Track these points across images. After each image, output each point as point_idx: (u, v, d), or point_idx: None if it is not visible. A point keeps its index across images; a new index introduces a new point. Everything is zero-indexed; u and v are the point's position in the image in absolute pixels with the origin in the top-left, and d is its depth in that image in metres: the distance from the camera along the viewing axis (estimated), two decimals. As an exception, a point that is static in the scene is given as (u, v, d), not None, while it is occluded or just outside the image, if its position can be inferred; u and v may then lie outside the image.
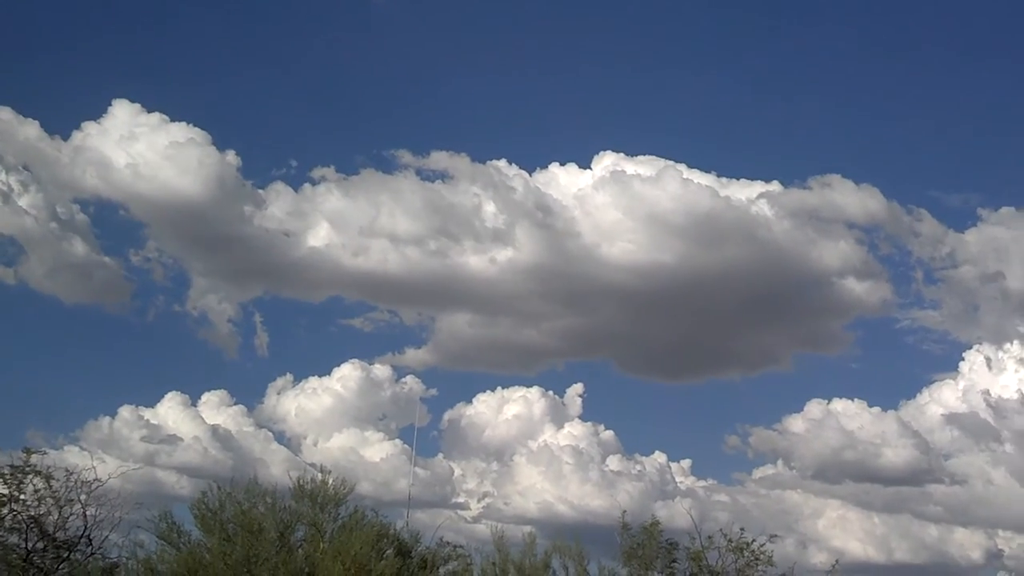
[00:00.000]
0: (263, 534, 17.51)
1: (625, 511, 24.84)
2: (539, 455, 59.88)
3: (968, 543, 58.17)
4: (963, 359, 62.39)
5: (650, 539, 23.88)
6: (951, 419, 59.57)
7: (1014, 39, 73.22)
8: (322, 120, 72.32)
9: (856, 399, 60.66)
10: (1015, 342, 61.40)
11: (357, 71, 73.13)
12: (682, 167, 62.30)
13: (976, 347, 62.50)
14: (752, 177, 64.52)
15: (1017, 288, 61.18)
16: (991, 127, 73.34)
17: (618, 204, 61.84)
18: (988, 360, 61.38)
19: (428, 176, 63.10)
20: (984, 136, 72.98)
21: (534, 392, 64.00)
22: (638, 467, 59.04)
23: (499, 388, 65.22)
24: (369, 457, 56.10)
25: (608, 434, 61.52)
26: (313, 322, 67.95)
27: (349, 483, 18.52)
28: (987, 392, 59.22)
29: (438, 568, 19.17)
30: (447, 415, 63.73)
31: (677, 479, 59.03)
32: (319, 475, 18.26)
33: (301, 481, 18.36)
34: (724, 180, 63.54)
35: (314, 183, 61.21)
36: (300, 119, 71.31)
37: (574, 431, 61.55)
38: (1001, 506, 57.66)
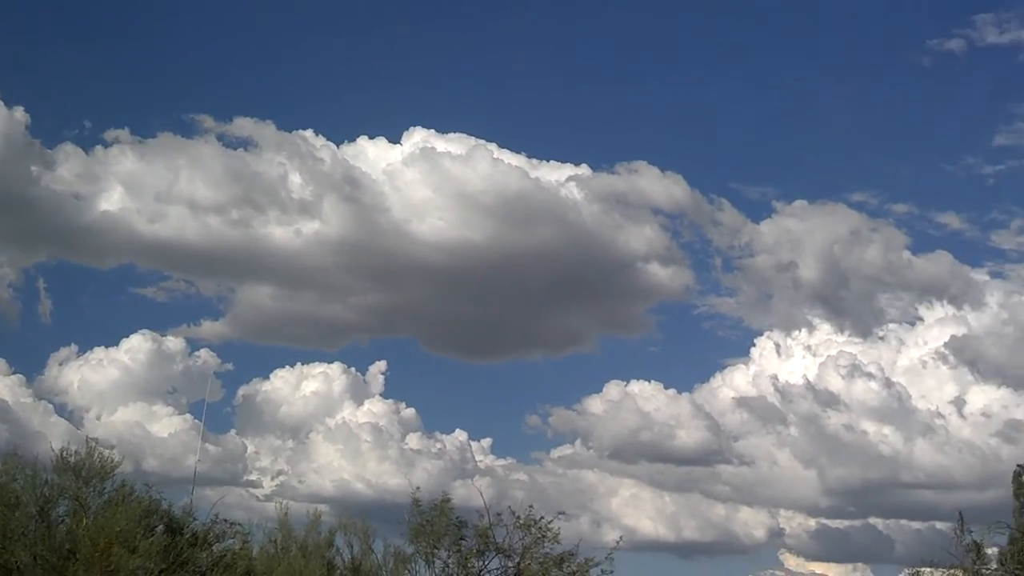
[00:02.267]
0: (21, 508, 16.39)
1: (418, 488, 24.56)
2: (337, 432, 59.14)
3: (752, 521, 60.46)
4: (754, 345, 64.75)
5: (440, 516, 23.62)
6: (741, 402, 61.74)
7: (815, 41, 76.23)
8: (118, 80, 69.31)
9: (653, 381, 62.17)
10: (803, 330, 64.05)
11: (157, 30, 70.38)
12: (492, 147, 62.35)
13: (767, 334, 64.93)
14: (562, 160, 65.14)
15: (808, 278, 63.75)
16: (788, 124, 76.20)
17: (428, 181, 61.43)
18: (777, 346, 63.86)
19: (231, 143, 61.28)
20: (781, 132, 75.75)
21: (335, 368, 63.15)
22: (438, 445, 59.04)
23: (299, 364, 64.05)
24: (157, 432, 54.21)
25: (409, 412, 61.26)
26: (102, 290, 65.25)
27: (115, 457, 17.53)
28: (775, 377, 61.64)
29: (212, 545, 18.38)
30: (242, 390, 62.24)
31: (477, 458, 59.29)
32: (81, 447, 17.20)
33: (64, 454, 17.27)
34: (534, 161, 63.94)
35: (107, 145, 58.64)
36: (95, 78, 68.15)
37: (374, 408, 61.07)
38: (784, 486, 60.15)
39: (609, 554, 24.07)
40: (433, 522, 23.69)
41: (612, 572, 23.92)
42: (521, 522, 23.90)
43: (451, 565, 23.90)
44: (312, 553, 21.76)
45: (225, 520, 19.47)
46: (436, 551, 23.72)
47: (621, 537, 25.56)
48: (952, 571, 24.18)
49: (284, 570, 19.50)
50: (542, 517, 23.99)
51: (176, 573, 16.48)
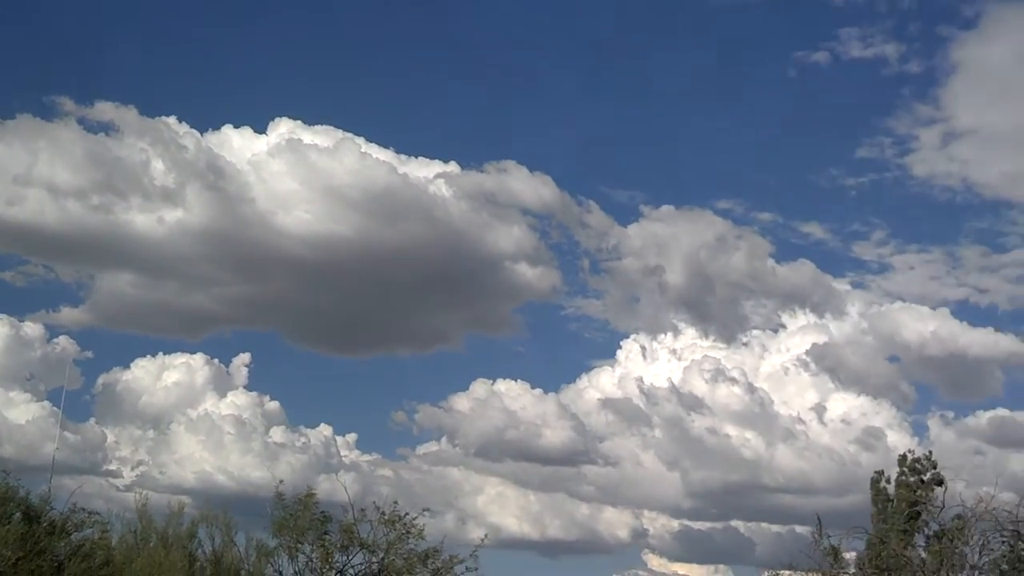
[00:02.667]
0: None
1: (281, 481, 24.35)
2: (199, 424, 58.24)
3: (616, 521, 61.56)
4: (620, 347, 65.92)
5: (304, 511, 23.47)
6: (607, 404, 62.83)
7: (684, 48, 77.94)
8: (-27, 60, 66.77)
9: (520, 380, 62.77)
10: (669, 334, 65.48)
11: (16, 8, 68.07)
12: (360, 140, 62.09)
13: (633, 336, 66.15)
14: (431, 156, 65.29)
15: (674, 282, 65.18)
16: (656, 130, 77.76)
17: (294, 173, 60.83)
18: (643, 349, 65.16)
19: (92, 127, 59.62)
20: (650, 138, 77.28)
21: (198, 359, 62.19)
22: (303, 439, 58.51)
23: (160, 354, 62.79)
24: (14, 419, 52.57)
25: (273, 405, 60.64)
26: (-44, 274, 62.86)
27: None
28: (641, 380, 62.89)
29: (70, 535, 17.93)
30: (102, 379, 60.71)
31: (342, 453, 58.95)
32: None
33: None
34: (403, 157, 63.93)
35: (-39, 125, 56.47)
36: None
37: (238, 400, 60.30)
38: (648, 488, 61.30)
39: (474, 551, 24.30)
40: (297, 516, 23.54)
41: (477, 569, 24.14)
42: (386, 518, 23.92)
43: (314, 560, 23.77)
44: (173, 545, 21.41)
45: (83, 509, 19.03)
46: (300, 545, 23.56)
47: (486, 535, 25.87)
48: (810, 574, 24.95)
49: (144, 561, 19.15)
50: (407, 513, 24.08)
51: (33, 562, 16.02)
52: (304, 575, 23.84)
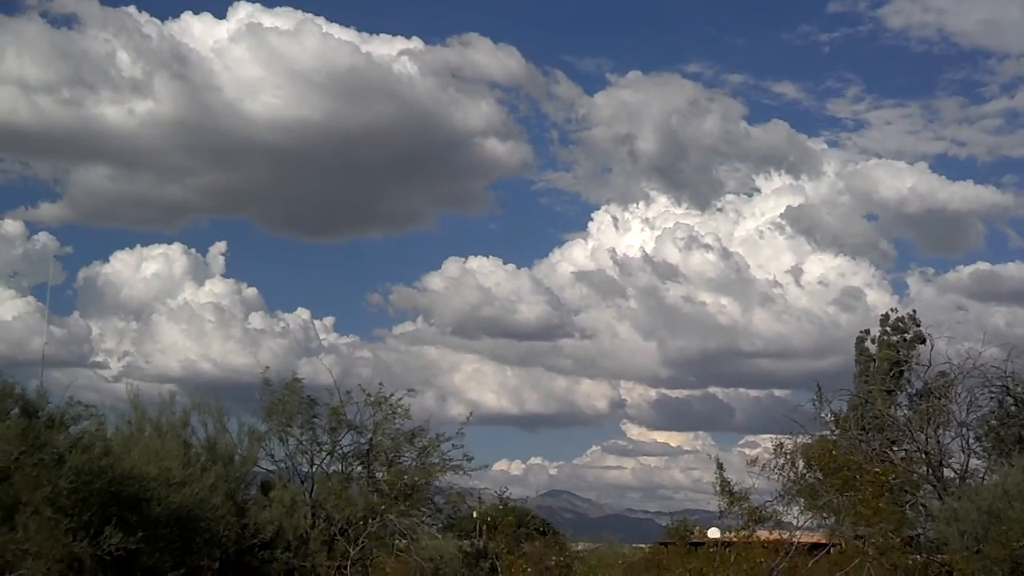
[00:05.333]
0: None
1: (268, 367, 24.96)
2: (180, 313, 58.95)
3: (594, 393, 63.10)
4: (592, 219, 66.37)
5: (291, 395, 24.13)
6: (580, 276, 63.78)
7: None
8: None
9: (492, 257, 63.32)
10: (641, 203, 65.90)
11: None
12: (321, 21, 61.45)
13: (604, 208, 66.67)
14: (393, 33, 64.56)
15: (646, 150, 65.30)
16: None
17: (257, 58, 60.40)
18: (615, 220, 65.76)
19: (55, 20, 58.52)
20: (613, 2, 76.34)
21: (175, 249, 62.73)
22: (281, 324, 59.30)
23: (138, 245, 62.99)
24: None
25: (251, 292, 61.43)
26: (-67, 174, 62.32)
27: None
28: (613, 251, 63.53)
29: (68, 428, 18.47)
30: (83, 273, 61.23)
31: (320, 336, 59.77)
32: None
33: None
34: (365, 35, 63.31)
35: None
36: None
37: (216, 289, 61.00)
38: (625, 358, 62.51)
39: (460, 429, 25.10)
40: (285, 401, 24.20)
41: (463, 447, 24.95)
42: (372, 400, 24.60)
43: (304, 442, 24.54)
44: (167, 433, 22.04)
45: (79, 402, 19.49)
46: (289, 429, 24.29)
47: (471, 413, 26.69)
48: (817, 437, 24.89)
49: (142, 450, 19.76)
50: (392, 394, 24.75)
51: (34, 455, 16.57)
52: (295, 457, 24.66)
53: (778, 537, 21.77)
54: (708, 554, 22.20)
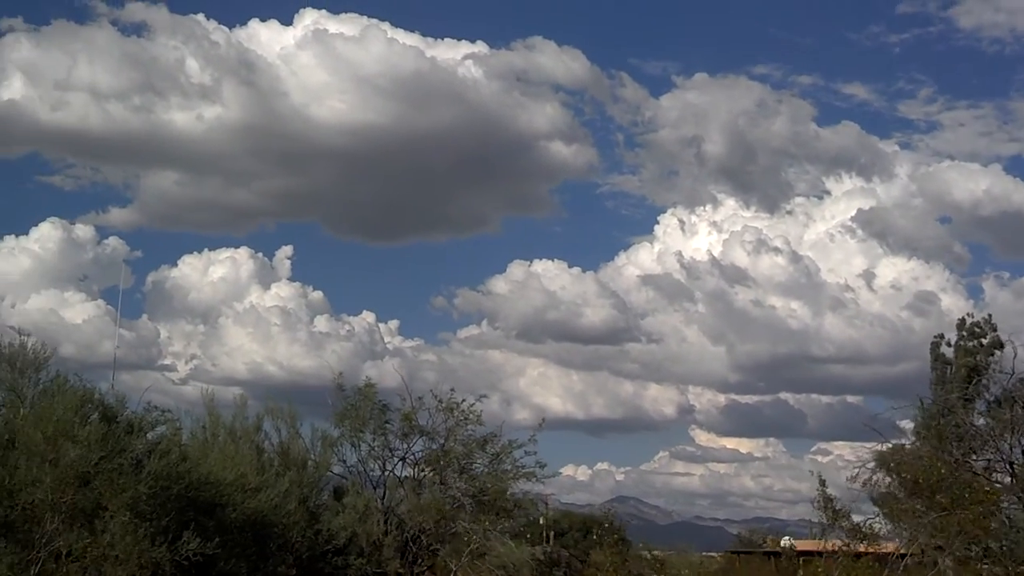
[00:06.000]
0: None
1: (341, 373, 25.00)
2: (246, 316, 59.44)
3: (662, 398, 62.62)
4: (658, 222, 65.87)
5: (364, 401, 24.14)
6: (647, 280, 63.34)
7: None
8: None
9: (557, 260, 63.09)
10: (708, 206, 65.39)
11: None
12: (386, 26, 61.74)
13: (671, 210, 66.19)
14: (457, 37, 64.76)
15: (713, 152, 64.76)
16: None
17: (323, 64, 60.85)
18: (682, 223, 65.28)
19: (125, 28, 59.51)
20: (679, 4, 75.82)
21: (242, 253, 63.41)
22: (347, 327, 59.57)
23: (206, 249, 63.74)
24: (71, 319, 54.07)
25: (317, 295, 61.79)
26: (9, 179, 63.69)
27: (49, 346, 17.59)
28: (680, 254, 63.00)
29: (145, 433, 18.62)
30: (151, 276, 62.07)
31: (385, 339, 59.96)
32: (16, 338, 17.21)
33: (-2, 345, 17.26)
34: (430, 40, 63.58)
35: (1, 34, 56.57)
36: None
37: (282, 292, 61.45)
38: (693, 363, 61.97)
39: (532, 435, 24.94)
40: (358, 406, 24.22)
41: (536, 453, 24.77)
42: (443, 405, 24.53)
43: (376, 448, 24.54)
44: (241, 438, 22.16)
45: (156, 407, 19.69)
46: (361, 434, 24.30)
47: (544, 419, 26.58)
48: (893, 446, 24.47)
49: (217, 455, 19.87)
50: (464, 400, 24.67)
51: (114, 461, 16.70)
52: (367, 463, 24.67)
53: (857, 547, 21.39)
54: (788, 564, 21.86)
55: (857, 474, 23.50)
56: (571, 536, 49.64)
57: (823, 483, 21.80)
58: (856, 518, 21.99)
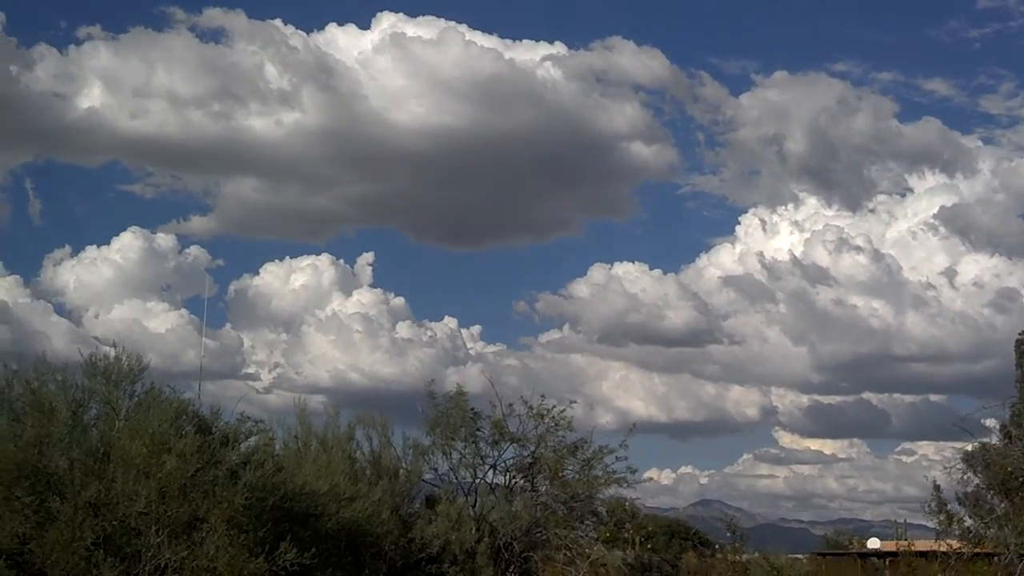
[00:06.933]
0: (55, 413, 16.52)
1: (433, 380, 24.94)
2: (328, 324, 59.83)
3: (744, 400, 61.87)
4: (739, 223, 65.10)
5: (456, 409, 24.02)
6: (728, 281, 62.71)
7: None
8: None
9: (638, 262, 62.65)
10: (789, 205, 64.50)
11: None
12: (463, 29, 61.74)
13: (752, 211, 65.32)
14: (535, 39, 64.60)
15: (795, 151, 63.88)
16: None
17: (401, 68, 61.04)
18: (763, 223, 64.42)
19: (203, 34, 60.30)
20: (757, 2, 74.88)
21: (323, 260, 63.87)
22: (429, 333, 59.64)
23: (287, 257, 64.28)
24: (154, 328, 54.85)
25: (398, 301, 61.94)
26: (89, 188, 64.96)
27: (142, 359, 17.65)
28: (761, 255, 62.13)
29: (239, 444, 18.64)
30: (234, 285, 62.72)
31: (467, 344, 59.92)
32: (110, 350, 17.30)
33: (93, 358, 17.35)
34: (508, 42, 63.59)
35: (80, 43, 57.62)
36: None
37: (363, 299, 61.75)
38: (776, 364, 61.05)
39: (623, 441, 24.63)
40: (449, 414, 24.10)
41: (627, 459, 24.46)
42: (534, 412, 24.33)
43: (467, 456, 24.39)
44: (333, 448, 22.12)
45: (249, 418, 19.72)
46: (453, 442, 24.17)
47: (635, 425, 26.24)
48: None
49: (311, 465, 19.84)
50: (554, 405, 24.45)
51: (210, 472, 16.72)
52: (459, 471, 24.52)
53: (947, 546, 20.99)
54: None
55: (963, 478, 22.95)
56: (658, 540, 49.10)
57: (938, 488, 21.31)
58: (967, 521, 21.48)
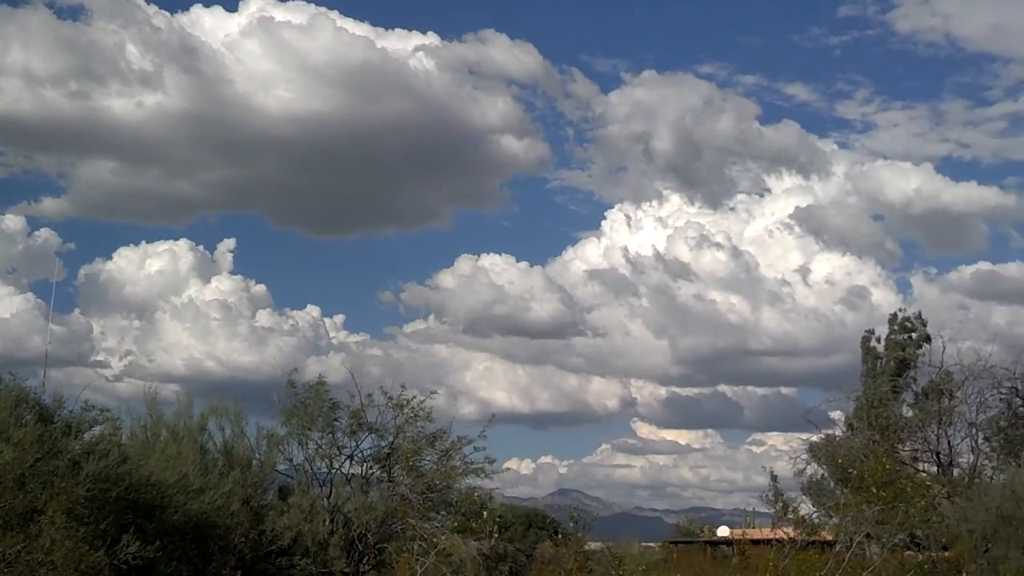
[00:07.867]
0: None
1: (295, 369, 24.54)
2: (184, 311, 58.53)
3: (605, 392, 62.68)
4: (605, 218, 66.01)
5: (315, 398, 23.70)
6: (593, 275, 63.26)
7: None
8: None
9: (504, 254, 62.91)
10: (654, 201, 65.56)
11: None
12: (335, 15, 61.01)
13: (618, 206, 66.31)
14: (408, 28, 64.22)
15: (661, 149, 65.00)
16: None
17: (269, 53, 59.94)
18: (628, 219, 65.32)
19: (61, 11, 58.17)
20: (629, 2, 75.95)
21: (182, 245, 62.45)
22: (291, 322, 58.80)
23: (143, 242, 62.62)
24: (-2, 313, 52.68)
25: (259, 289, 60.96)
26: (-66, 169, 62.12)
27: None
28: (626, 249, 63.11)
29: (83, 433, 18.04)
30: (84, 269, 60.71)
31: (330, 334, 59.27)
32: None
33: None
34: (380, 30, 63.00)
35: (-70, 16, 55.02)
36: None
37: (222, 286, 60.59)
38: (637, 356, 62.03)
39: (482, 432, 24.62)
40: (307, 404, 23.75)
41: (485, 449, 24.47)
42: (393, 402, 24.15)
43: (323, 446, 24.08)
44: (184, 438, 21.59)
45: (94, 406, 19.08)
46: (309, 432, 23.84)
47: (494, 415, 26.32)
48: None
49: (159, 456, 19.32)
50: (414, 396, 24.30)
51: (50, 463, 16.16)
52: (314, 461, 24.20)
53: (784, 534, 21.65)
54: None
55: (804, 469, 23.78)
56: (515, 530, 49.48)
57: (775, 478, 21.93)
58: (803, 510, 22.26)
